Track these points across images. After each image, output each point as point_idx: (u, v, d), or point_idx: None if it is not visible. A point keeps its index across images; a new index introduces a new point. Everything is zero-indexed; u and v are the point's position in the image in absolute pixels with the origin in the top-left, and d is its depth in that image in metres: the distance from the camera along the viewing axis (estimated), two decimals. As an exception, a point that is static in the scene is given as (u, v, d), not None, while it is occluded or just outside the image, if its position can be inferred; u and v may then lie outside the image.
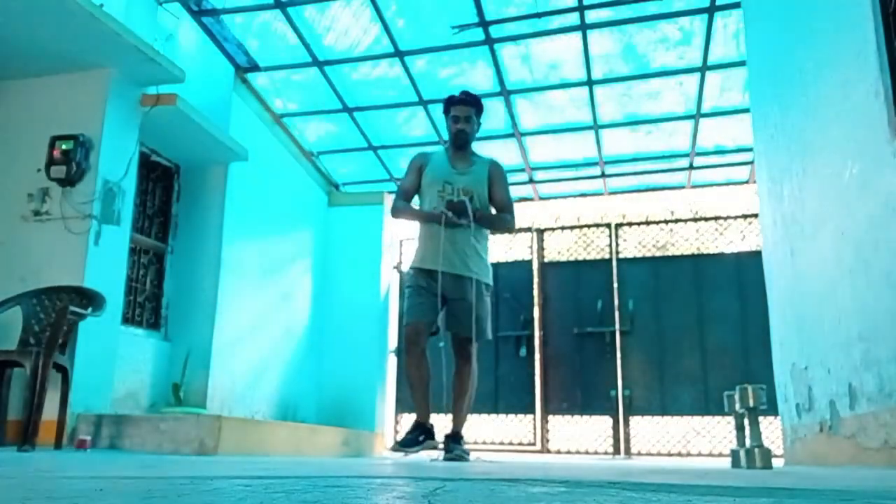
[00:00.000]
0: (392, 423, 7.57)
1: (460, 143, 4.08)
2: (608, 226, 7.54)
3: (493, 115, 6.61)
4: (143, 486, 1.27)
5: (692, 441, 6.87)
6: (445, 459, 3.66)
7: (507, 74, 6.09)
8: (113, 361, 4.61)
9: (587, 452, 7.10)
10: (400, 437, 3.75)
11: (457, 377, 3.89)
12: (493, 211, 4.06)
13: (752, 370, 6.46)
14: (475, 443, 7.40)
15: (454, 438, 3.82)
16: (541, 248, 7.64)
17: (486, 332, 3.94)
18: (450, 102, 4.12)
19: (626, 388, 7.06)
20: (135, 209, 5.09)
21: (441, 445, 3.82)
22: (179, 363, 5.40)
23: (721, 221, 7.34)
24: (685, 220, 7.41)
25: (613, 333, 7.20)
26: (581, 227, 7.63)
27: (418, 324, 3.83)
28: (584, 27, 5.48)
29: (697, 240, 7.34)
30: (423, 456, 3.90)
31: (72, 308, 3.91)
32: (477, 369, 3.95)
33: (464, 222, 3.85)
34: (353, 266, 7.52)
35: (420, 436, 3.78)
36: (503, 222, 4.11)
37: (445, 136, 4.75)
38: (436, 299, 3.84)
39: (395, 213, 4.15)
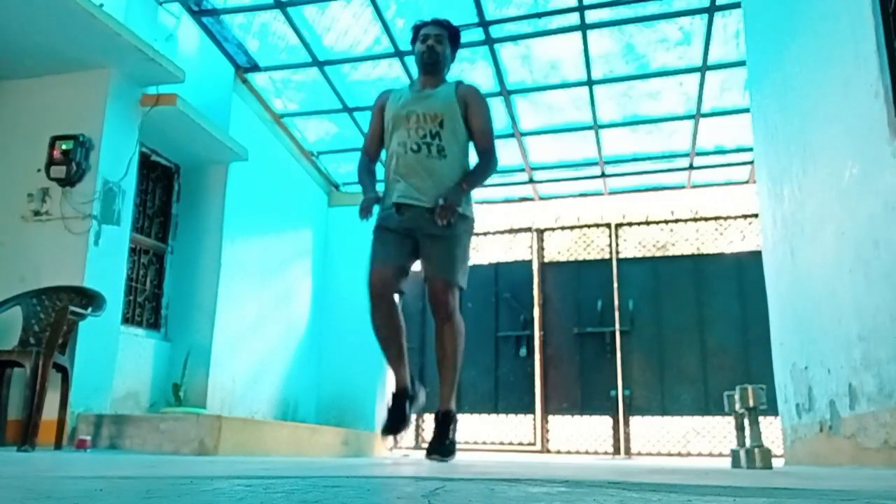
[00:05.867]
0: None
1: (430, 63, 3.39)
2: (608, 226, 7.54)
3: (494, 115, 6.59)
4: (143, 486, 1.27)
5: (692, 441, 6.88)
6: (429, 458, 3.15)
7: (507, 74, 6.09)
8: (113, 361, 4.62)
9: (587, 452, 7.10)
10: (383, 420, 3.26)
11: (437, 340, 3.22)
12: (471, 143, 3.46)
13: (752, 370, 6.46)
14: (475, 443, 7.41)
15: (445, 420, 3.21)
16: (541, 248, 7.64)
17: (460, 277, 3.21)
18: (418, 28, 3.47)
19: (626, 388, 7.06)
20: (135, 209, 5.10)
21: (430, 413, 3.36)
22: (179, 363, 5.40)
23: (721, 221, 7.34)
24: (685, 220, 7.41)
25: (613, 333, 7.20)
26: (581, 227, 7.64)
27: (383, 270, 3.18)
28: (584, 27, 5.48)
29: (697, 240, 7.34)
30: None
31: (72, 308, 3.91)
32: (463, 326, 3.25)
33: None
34: (353, 266, 7.50)
35: (404, 405, 3.20)
36: (486, 174, 3.42)
37: None
38: (405, 239, 3.23)
39: (358, 174, 3.59)
